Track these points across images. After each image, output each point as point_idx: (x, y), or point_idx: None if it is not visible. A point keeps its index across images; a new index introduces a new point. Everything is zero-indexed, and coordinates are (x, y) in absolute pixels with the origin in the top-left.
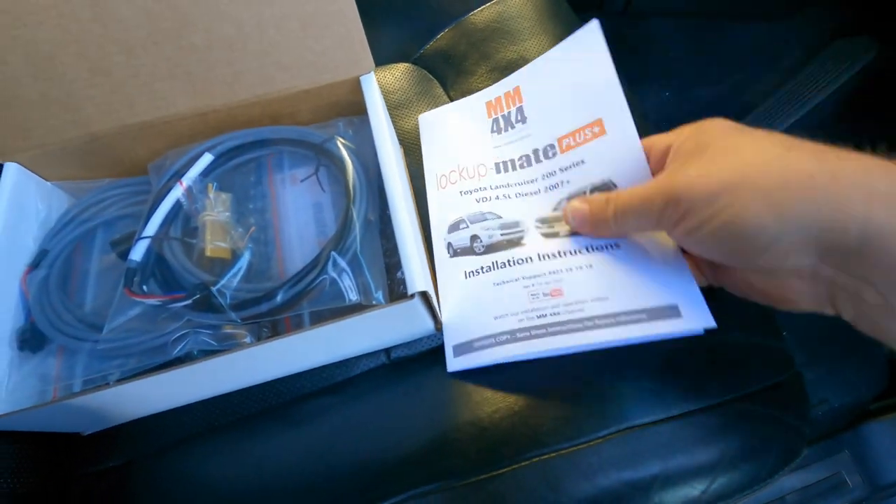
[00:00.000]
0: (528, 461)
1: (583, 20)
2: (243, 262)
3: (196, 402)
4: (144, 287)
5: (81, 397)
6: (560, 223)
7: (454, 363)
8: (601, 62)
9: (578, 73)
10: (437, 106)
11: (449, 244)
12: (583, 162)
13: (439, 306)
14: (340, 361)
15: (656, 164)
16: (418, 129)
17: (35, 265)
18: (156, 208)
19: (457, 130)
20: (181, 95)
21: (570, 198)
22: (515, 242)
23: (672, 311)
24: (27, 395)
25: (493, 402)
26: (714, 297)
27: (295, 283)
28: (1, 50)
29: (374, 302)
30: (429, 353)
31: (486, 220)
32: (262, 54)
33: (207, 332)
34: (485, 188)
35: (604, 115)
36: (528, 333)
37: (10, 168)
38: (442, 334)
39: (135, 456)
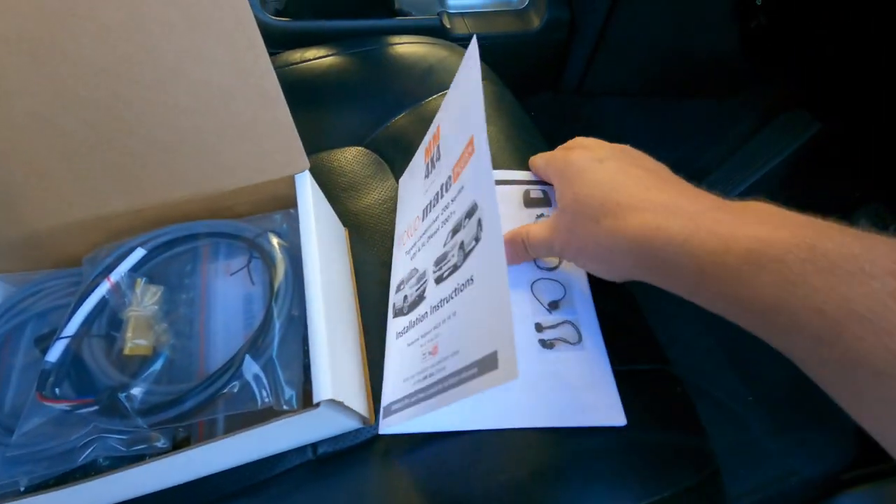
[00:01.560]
0: None
1: (538, 100)
2: (158, 364)
3: None
4: (57, 390)
5: None
6: (445, 261)
7: (383, 424)
8: (472, 78)
9: (463, 95)
10: (386, 189)
11: (393, 304)
12: (463, 188)
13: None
14: (262, 459)
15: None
16: (367, 209)
17: None
18: (79, 307)
19: (410, 186)
20: (118, 195)
21: (453, 230)
22: (421, 297)
23: (490, 362)
24: None
25: (417, 500)
26: (635, 390)
27: (206, 388)
28: None
29: (284, 407)
30: (356, 448)
31: (412, 276)
32: (199, 157)
33: (116, 437)
34: (415, 242)
35: (474, 131)
36: (418, 396)
37: None
38: (371, 428)
39: None
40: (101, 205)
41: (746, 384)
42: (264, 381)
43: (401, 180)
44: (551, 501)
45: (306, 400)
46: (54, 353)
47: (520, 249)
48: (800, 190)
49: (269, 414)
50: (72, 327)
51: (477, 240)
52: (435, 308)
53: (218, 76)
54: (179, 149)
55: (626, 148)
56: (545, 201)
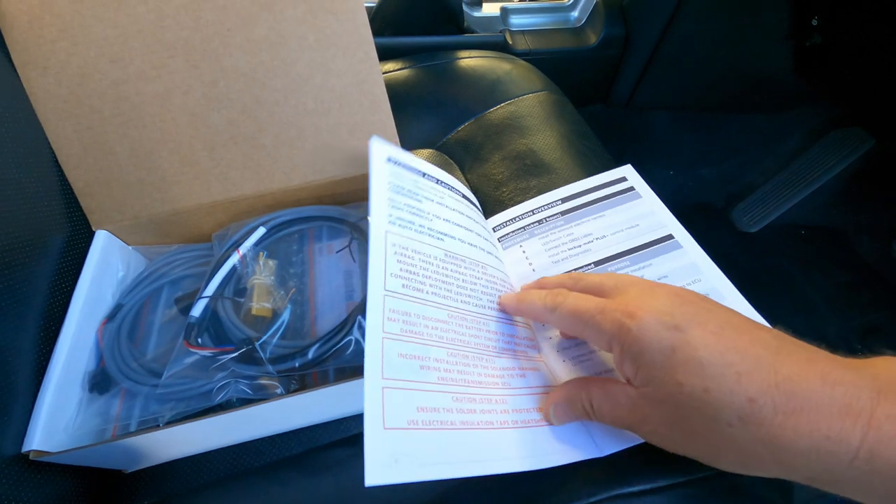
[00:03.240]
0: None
1: (588, 112)
2: (282, 322)
3: (225, 448)
4: (199, 340)
5: (136, 437)
6: None
7: None
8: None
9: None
10: None
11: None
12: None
13: None
14: (356, 415)
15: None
16: None
17: (111, 318)
18: (216, 273)
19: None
20: (248, 181)
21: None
22: None
23: None
24: (89, 433)
25: None
26: None
27: (325, 342)
28: (111, 143)
29: None
30: None
31: None
32: (314, 152)
33: (246, 381)
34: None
35: None
36: None
37: (101, 235)
38: None
39: (169, 494)
40: (233, 189)
41: None
42: None
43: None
44: (628, 462)
45: None
46: (197, 310)
47: (578, 411)
48: (849, 208)
49: None
50: (210, 289)
51: None
52: None
53: (339, 84)
54: (301, 144)
55: (682, 291)
56: None
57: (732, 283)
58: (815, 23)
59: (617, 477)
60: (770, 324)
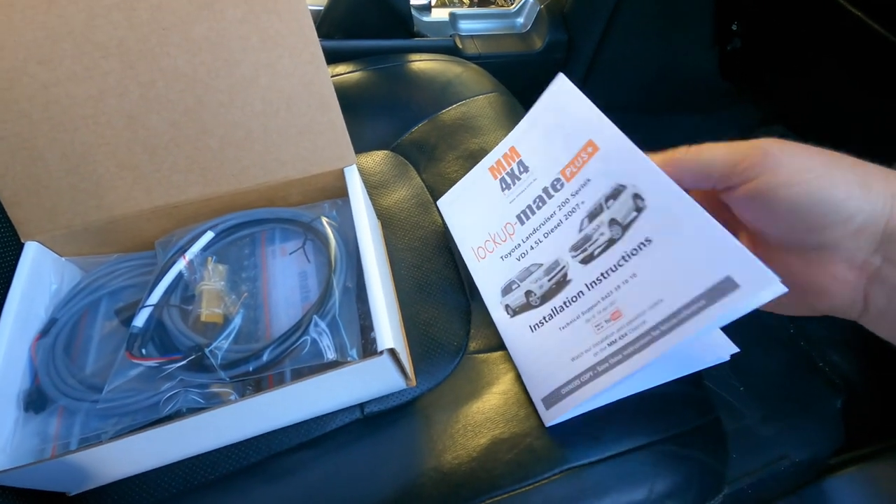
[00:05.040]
0: (483, 503)
1: None
2: (234, 326)
3: (177, 462)
4: (143, 350)
5: (76, 454)
6: (590, 242)
7: (549, 416)
8: (577, 98)
9: (560, 114)
10: (412, 186)
11: (507, 306)
12: (589, 181)
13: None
14: (317, 417)
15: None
16: (396, 205)
17: (44, 333)
18: (160, 280)
19: (473, 203)
20: (194, 185)
21: (589, 216)
22: (563, 282)
23: (728, 284)
24: (28, 453)
25: (454, 450)
26: None
27: (280, 343)
28: (40, 149)
29: (348, 359)
30: (399, 408)
31: (531, 272)
32: (264, 153)
33: (197, 391)
34: (519, 244)
35: (592, 135)
36: (606, 364)
37: (31, 247)
38: (411, 390)
39: None
40: (177, 194)
41: (738, 376)
42: (329, 337)
43: (442, 203)
44: (577, 439)
45: (365, 356)
46: (140, 319)
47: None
48: None
49: (330, 368)
50: (154, 297)
51: (638, 210)
52: (595, 282)
53: (286, 85)
54: (248, 146)
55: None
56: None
57: None
58: (735, 28)
59: (565, 452)
60: None
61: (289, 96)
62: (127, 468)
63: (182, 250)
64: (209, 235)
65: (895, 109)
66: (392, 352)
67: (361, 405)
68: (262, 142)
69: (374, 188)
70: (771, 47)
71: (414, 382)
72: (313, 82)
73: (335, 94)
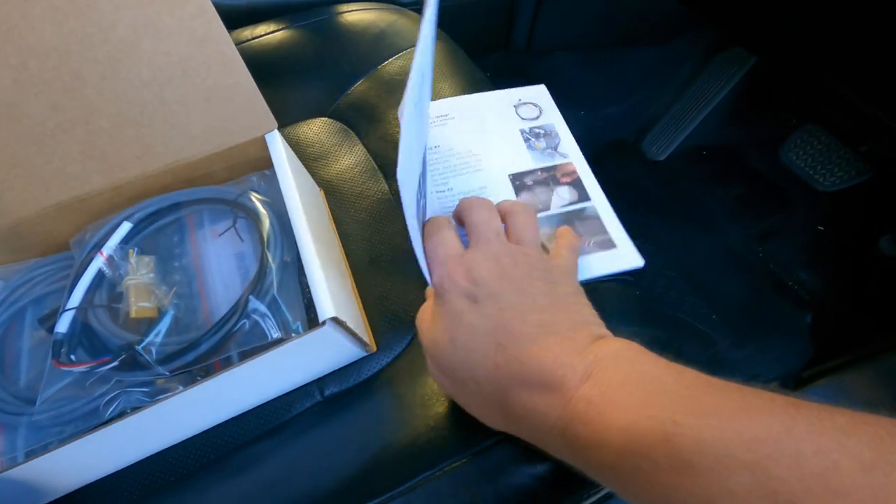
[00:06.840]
0: (441, 471)
1: (490, 60)
2: (167, 318)
3: (136, 466)
4: (72, 356)
5: (23, 466)
6: None
7: None
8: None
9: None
10: (354, 154)
11: None
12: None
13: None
14: (276, 406)
15: None
16: (340, 175)
17: None
18: (78, 280)
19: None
20: (94, 174)
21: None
22: None
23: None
24: None
25: (412, 421)
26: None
27: (217, 330)
28: None
29: (292, 335)
30: (357, 387)
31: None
32: (168, 127)
33: (141, 389)
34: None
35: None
36: None
37: None
38: (372, 365)
39: None
40: (79, 185)
41: (710, 305)
42: (270, 317)
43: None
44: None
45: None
46: (63, 325)
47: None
48: (740, 125)
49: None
50: (74, 300)
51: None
52: None
53: (174, 46)
54: (147, 122)
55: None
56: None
57: (645, 210)
58: None
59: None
60: (680, 244)
61: (181, 59)
62: (81, 475)
63: (98, 246)
64: (126, 227)
65: (854, 25)
66: (335, 320)
67: (321, 388)
68: (160, 116)
69: (313, 160)
70: None
71: (375, 348)
72: (207, 39)
73: (237, 51)
